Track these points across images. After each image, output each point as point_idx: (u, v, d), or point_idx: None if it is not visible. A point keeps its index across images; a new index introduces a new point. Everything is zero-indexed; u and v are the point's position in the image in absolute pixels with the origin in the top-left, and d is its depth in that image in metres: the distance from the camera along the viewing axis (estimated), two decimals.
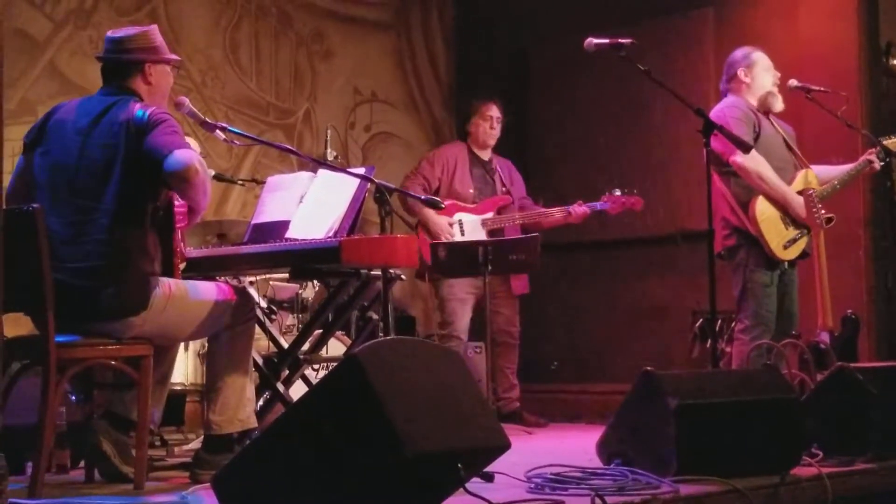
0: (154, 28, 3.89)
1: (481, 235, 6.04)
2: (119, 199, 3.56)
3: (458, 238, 5.99)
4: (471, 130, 6.35)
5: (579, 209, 6.07)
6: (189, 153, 3.51)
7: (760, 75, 5.27)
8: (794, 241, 5.10)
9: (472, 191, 6.21)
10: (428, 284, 6.27)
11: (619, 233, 6.86)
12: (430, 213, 6.03)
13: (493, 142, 6.37)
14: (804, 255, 5.17)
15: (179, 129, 3.63)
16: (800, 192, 5.09)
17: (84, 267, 3.54)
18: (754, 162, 5.02)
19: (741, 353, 5.07)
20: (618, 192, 6.07)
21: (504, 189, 6.32)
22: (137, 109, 3.61)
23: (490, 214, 6.18)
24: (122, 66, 3.77)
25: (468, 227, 6.10)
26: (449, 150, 6.43)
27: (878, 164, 5.33)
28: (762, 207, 5.06)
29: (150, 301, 3.58)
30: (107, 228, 3.55)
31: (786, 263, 5.13)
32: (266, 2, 7.01)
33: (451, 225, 6.06)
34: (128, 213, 3.58)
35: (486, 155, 6.37)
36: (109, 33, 3.84)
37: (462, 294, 6.12)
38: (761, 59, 5.29)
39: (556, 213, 6.13)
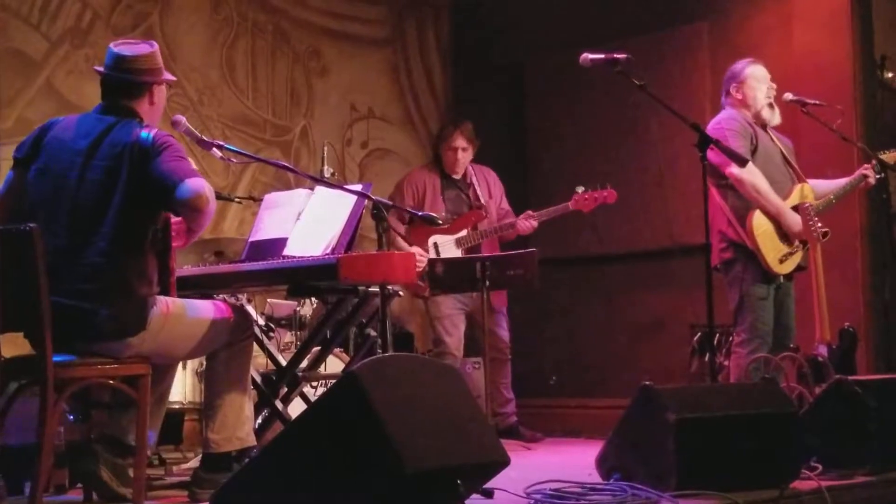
0: (157, 47, 3.84)
1: (457, 254, 5.94)
2: (119, 223, 3.52)
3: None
4: (440, 154, 6.22)
5: (524, 223, 5.98)
6: (201, 182, 3.48)
7: (753, 90, 5.24)
8: (790, 255, 5.11)
9: (444, 213, 6.07)
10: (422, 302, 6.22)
11: (617, 247, 6.86)
12: (400, 243, 5.92)
13: (461, 169, 6.20)
14: (800, 268, 5.17)
15: (185, 153, 3.60)
16: (796, 207, 5.10)
17: (81, 289, 3.49)
18: (750, 174, 5.02)
19: (739, 366, 5.07)
20: (580, 190, 5.95)
21: (478, 203, 6.21)
22: (142, 132, 3.56)
23: (465, 232, 6.06)
24: (131, 86, 3.70)
25: (444, 248, 5.99)
26: (418, 174, 6.27)
27: (873, 179, 5.34)
28: (759, 221, 5.06)
29: (147, 322, 3.56)
30: (105, 252, 3.51)
31: (781, 277, 5.13)
32: (262, 19, 7.03)
33: (426, 250, 5.94)
34: (127, 236, 3.54)
35: (458, 174, 6.24)
36: (116, 49, 3.75)
37: (450, 311, 6.02)
38: (754, 73, 5.26)
39: (506, 228, 6.02)
